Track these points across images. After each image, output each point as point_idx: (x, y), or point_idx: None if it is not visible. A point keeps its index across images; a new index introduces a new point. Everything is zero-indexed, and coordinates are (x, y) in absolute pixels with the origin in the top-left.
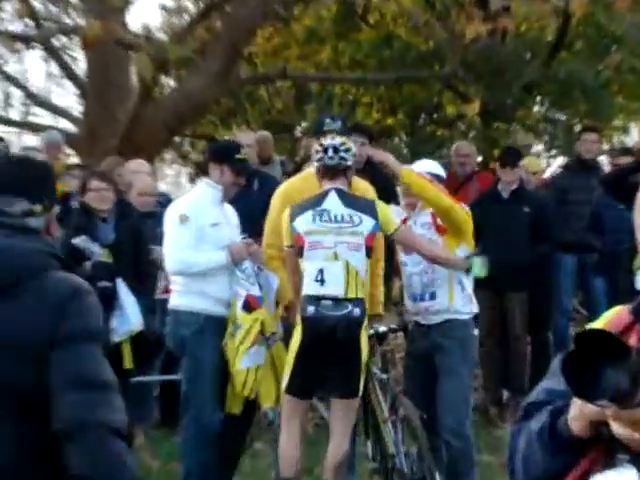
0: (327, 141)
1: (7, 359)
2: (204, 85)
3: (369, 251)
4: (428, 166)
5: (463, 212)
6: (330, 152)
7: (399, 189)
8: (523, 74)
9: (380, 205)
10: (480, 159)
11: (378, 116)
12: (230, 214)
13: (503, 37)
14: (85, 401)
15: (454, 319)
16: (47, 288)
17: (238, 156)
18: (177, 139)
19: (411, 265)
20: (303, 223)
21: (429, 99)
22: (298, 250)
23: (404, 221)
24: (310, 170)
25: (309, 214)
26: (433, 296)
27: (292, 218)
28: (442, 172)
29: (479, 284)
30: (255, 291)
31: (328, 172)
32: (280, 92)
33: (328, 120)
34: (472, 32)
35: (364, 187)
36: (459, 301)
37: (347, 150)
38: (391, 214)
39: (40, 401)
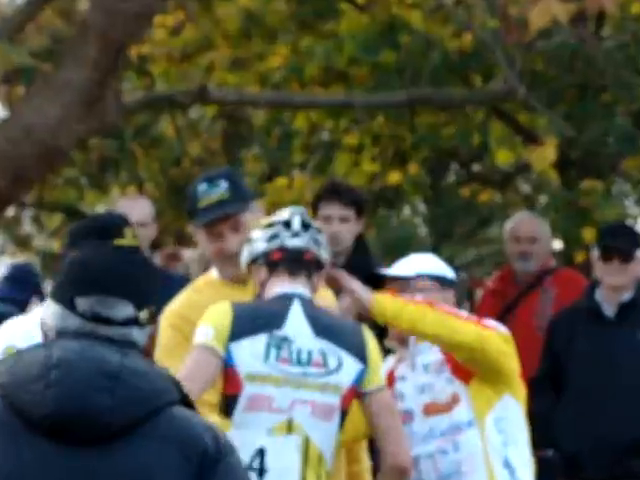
0: (287, 211)
1: None
2: (58, 115)
3: (343, 419)
4: (424, 265)
5: (497, 339)
6: (296, 225)
7: None
8: (635, 94)
9: (369, 336)
10: (558, 246)
11: (373, 169)
12: None
13: (598, 26)
14: None
15: None
16: (178, 429)
17: (119, 241)
18: (9, 212)
19: (415, 439)
20: (248, 355)
21: (464, 138)
22: (224, 404)
23: (389, 378)
24: (208, 277)
25: (261, 341)
26: None
27: (235, 332)
28: (449, 272)
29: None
30: None
31: (288, 262)
32: (197, 127)
33: (202, 186)
34: (542, 17)
35: (330, 300)
36: None
37: (318, 230)
38: (380, 358)
39: None
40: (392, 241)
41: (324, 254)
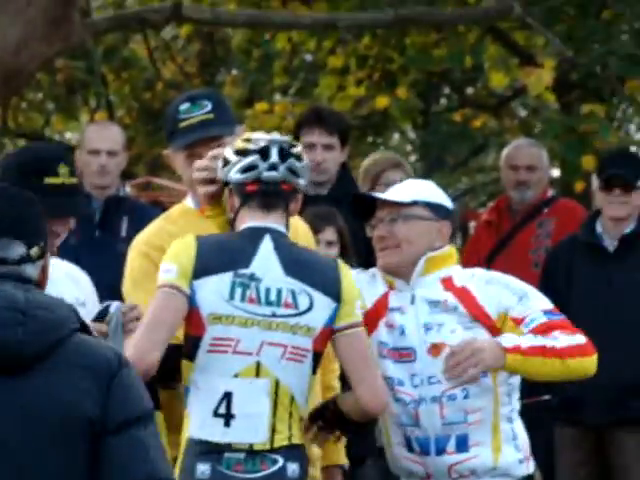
0: (257, 135)
1: (44, 440)
2: (20, 34)
3: (317, 360)
4: (421, 191)
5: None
6: (274, 156)
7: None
8: (638, 11)
9: (345, 272)
10: (556, 174)
11: (360, 93)
12: (59, 279)
13: None
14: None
15: None
16: (84, 355)
17: (50, 180)
18: None
19: (409, 381)
20: (212, 294)
21: (457, 60)
22: (187, 346)
23: (380, 303)
24: (182, 205)
25: (226, 279)
26: (463, 444)
27: (198, 270)
28: (447, 200)
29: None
30: None
31: (262, 196)
32: (172, 47)
33: (184, 105)
34: None
35: (303, 232)
36: (510, 454)
37: (298, 157)
38: (357, 294)
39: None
40: None
41: (302, 183)
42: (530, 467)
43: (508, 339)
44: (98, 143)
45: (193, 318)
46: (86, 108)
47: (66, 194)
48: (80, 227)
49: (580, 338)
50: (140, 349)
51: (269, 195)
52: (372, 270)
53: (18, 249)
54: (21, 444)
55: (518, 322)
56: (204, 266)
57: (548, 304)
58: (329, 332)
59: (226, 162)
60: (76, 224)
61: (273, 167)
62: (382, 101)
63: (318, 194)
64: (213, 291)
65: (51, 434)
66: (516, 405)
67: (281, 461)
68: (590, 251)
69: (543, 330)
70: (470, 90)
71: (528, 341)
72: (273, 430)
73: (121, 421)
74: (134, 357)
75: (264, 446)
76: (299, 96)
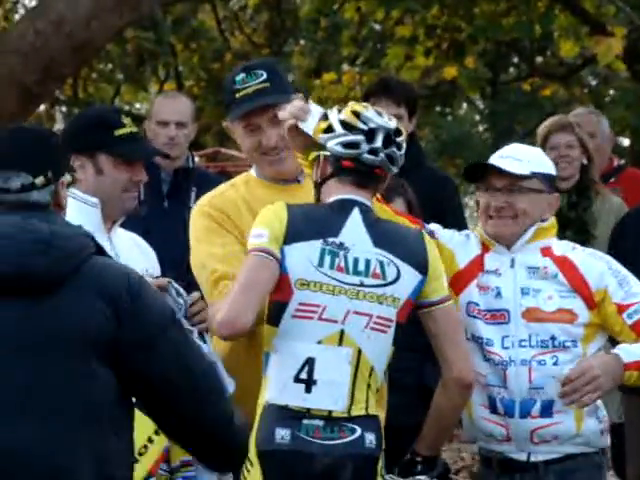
0: (369, 113)
1: (66, 356)
2: (90, 6)
3: (398, 332)
4: (538, 162)
5: None
6: (378, 142)
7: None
8: None
9: (430, 245)
10: (626, 143)
11: (428, 63)
12: (129, 248)
13: None
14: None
15: (581, 455)
16: (99, 277)
17: (120, 131)
18: (41, 108)
19: (500, 342)
20: (301, 260)
21: (526, 29)
22: (272, 311)
23: (475, 263)
24: (248, 174)
25: (316, 246)
26: (548, 409)
27: (289, 235)
28: (552, 169)
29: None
30: None
31: (357, 173)
32: (240, 17)
33: (240, 76)
34: None
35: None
36: (593, 424)
37: (399, 146)
38: (442, 267)
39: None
40: (448, 140)
41: (395, 170)
42: (608, 440)
43: (627, 352)
44: (167, 114)
45: (281, 283)
46: (155, 78)
47: (138, 140)
48: (149, 198)
49: None
50: (234, 311)
51: (362, 174)
52: (466, 231)
53: (19, 180)
54: (39, 355)
55: (622, 309)
56: (295, 232)
57: None
58: (412, 304)
59: (329, 128)
60: (146, 195)
61: (374, 151)
62: (450, 71)
63: None
64: (302, 257)
65: (66, 350)
66: None
67: (359, 430)
68: None
69: None
70: (539, 59)
71: None
72: (352, 399)
73: (147, 336)
74: (228, 318)
75: (342, 414)
76: (367, 66)
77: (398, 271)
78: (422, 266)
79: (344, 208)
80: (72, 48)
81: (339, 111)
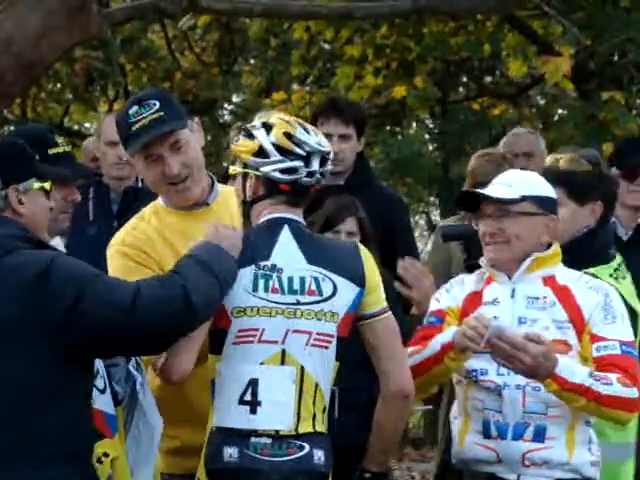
0: (301, 135)
1: None
2: (39, 25)
3: (339, 346)
4: (529, 185)
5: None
6: (314, 165)
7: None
8: None
9: (366, 256)
10: None
11: (377, 82)
12: None
13: None
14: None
15: None
16: (15, 270)
17: (53, 150)
18: None
19: (494, 370)
20: (235, 288)
21: (475, 48)
22: (213, 340)
23: (472, 298)
24: (155, 204)
25: (249, 272)
26: (539, 435)
27: None
28: (553, 192)
29: None
30: (106, 406)
31: (292, 195)
32: (190, 36)
33: (133, 109)
34: None
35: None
36: (583, 455)
37: (327, 164)
38: (379, 278)
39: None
40: (399, 159)
41: (324, 180)
42: (597, 473)
43: (566, 367)
44: (116, 134)
45: (218, 313)
46: (104, 98)
47: (70, 160)
48: (100, 218)
49: (633, 392)
50: (173, 359)
51: (297, 194)
52: (461, 275)
53: None
54: None
55: (594, 339)
56: None
57: (631, 335)
58: (352, 317)
59: (262, 152)
60: (95, 215)
61: (312, 174)
62: (400, 90)
63: (335, 184)
64: (236, 285)
65: None
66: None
67: (307, 447)
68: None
69: (607, 367)
70: (488, 79)
71: (579, 377)
72: (298, 417)
73: (71, 303)
74: (169, 367)
75: (290, 432)
76: (317, 85)
77: (334, 286)
78: (359, 279)
79: (274, 228)
80: (21, 67)
81: (267, 130)
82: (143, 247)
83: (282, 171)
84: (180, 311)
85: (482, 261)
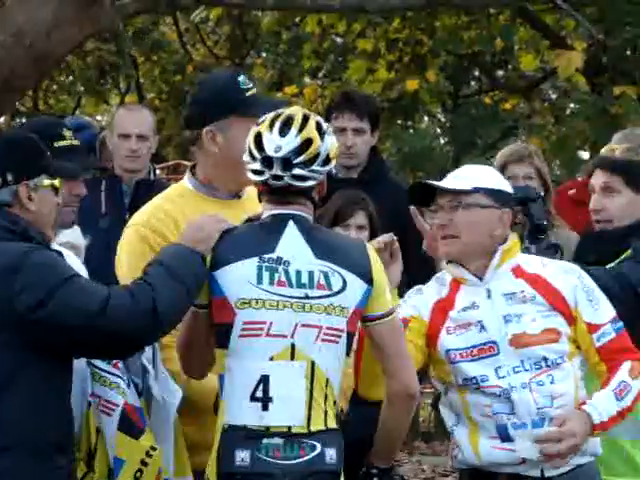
0: (267, 139)
1: None
2: (51, 18)
3: (350, 342)
4: (482, 178)
5: None
6: (276, 168)
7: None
8: None
9: (373, 254)
10: (585, 157)
11: (389, 76)
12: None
13: None
14: None
15: (587, 465)
16: None
17: (59, 143)
18: (1, 120)
19: (495, 374)
20: (238, 280)
21: (487, 42)
22: (219, 335)
23: (441, 306)
24: (181, 186)
25: (252, 264)
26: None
27: (216, 260)
28: (508, 187)
29: None
30: (134, 399)
31: (274, 194)
32: (202, 30)
33: (242, 77)
34: None
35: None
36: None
37: (311, 161)
38: (385, 278)
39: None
40: (410, 153)
41: (313, 183)
42: (600, 449)
43: (596, 410)
44: (128, 127)
45: (221, 306)
46: (116, 91)
47: (78, 153)
48: (112, 210)
49: None
50: (186, 367)
51: (280, 195)
52: (416, 287)
53: None
54: None
55: (592, 329)
56: (222, 257)
57: (611, 309)
58: (360, 314)
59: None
60: (107, 207)
61: (277, 177)
62: (412, 84)
63: (348, 178)
64: (238, 277)
65: None
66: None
67: (319, 447)
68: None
69: (614, 354)
70: (500, 73)
71: (610, 409)
72: (310, 413)
73: (35, 304)
74: (186, 372)
75: (302, 429)
76: (329, 79)
77: (344, 281)
78: (367, 276)
79: (278, 223)
80: (32, 60)
81: (257, 125)
82: (165, 232)
83: (252, 172)
84: (146, 324)
85: (444, 265)
